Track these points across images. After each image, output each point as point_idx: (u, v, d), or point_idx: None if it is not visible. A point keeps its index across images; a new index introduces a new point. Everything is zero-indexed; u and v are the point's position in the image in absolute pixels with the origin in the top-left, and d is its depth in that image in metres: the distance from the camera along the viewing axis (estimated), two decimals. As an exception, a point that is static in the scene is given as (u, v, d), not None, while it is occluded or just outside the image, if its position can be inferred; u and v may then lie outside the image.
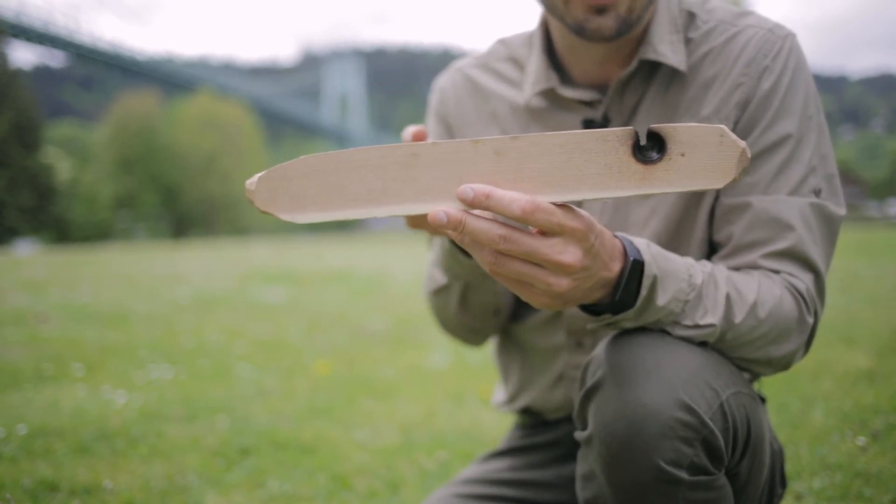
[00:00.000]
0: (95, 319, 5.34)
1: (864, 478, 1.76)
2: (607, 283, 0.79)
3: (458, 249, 1.06)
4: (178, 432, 2.41)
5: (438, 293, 1.19)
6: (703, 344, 0.88)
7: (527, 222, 0.70)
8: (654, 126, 0.71)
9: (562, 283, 0.73)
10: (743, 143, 0.70)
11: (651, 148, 0.71)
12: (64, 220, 37.74)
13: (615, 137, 0.71)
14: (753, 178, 0.98)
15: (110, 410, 2.68)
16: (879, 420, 2.27)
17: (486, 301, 1.16)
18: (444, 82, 1.24)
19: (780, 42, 1.01)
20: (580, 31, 0.99)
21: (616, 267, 0.79)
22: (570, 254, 0.72)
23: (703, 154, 0.70)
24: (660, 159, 0.71)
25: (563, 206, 0.72)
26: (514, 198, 0.70)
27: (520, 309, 1.21)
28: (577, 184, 0.72)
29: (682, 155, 0.70)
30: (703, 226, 1.03)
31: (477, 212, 0.71)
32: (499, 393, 1.33)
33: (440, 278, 1.17)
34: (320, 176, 0.73)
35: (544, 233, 0.72)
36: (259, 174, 0.74)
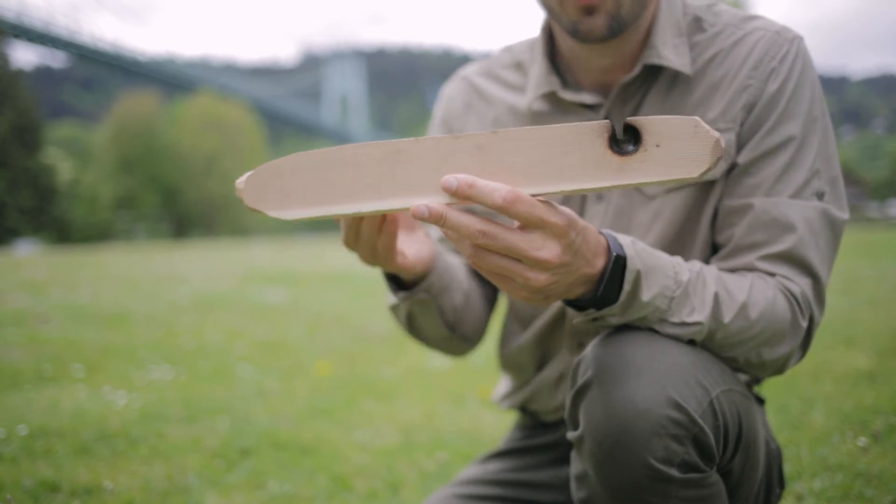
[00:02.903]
0: (95, 320, 5.34)
1: (865, 479, 1.76)
2: (589, 279, 0.80)
3: (391, 282, 1.07)
4: (179, 433, 2.41)
5: (391, 309, 1.16)
6: (692, 343, 0.88)
7: (507, 212, 0.71)
8: (630, 119, 0.73)
9: (539, 278, 0.74)
10: (717, 134, 0.71)
11: (627, 140, 0.73)
12: (64, 221, 37.73)
13: (591, 130, 0.73)
14: (757, 180, 0.98)
15: (111, 411, 2.68)
16: (880, 421, 2.27)
17: (432, 332, 1.14)
18: (449, 90, 1.25)
19: (787, 45, 1.01)
20: (574, 33, 1.01)
21: (599, 263, 0.80)
22: (548, 250, 0.73)
23: (677, 145, 0.71)
24: (636, 151, 0.72)
25: (544, 201, 0.73)
26: (495, 188, 0.71)
27: (511, 330, 1.22)
28: (557, 176, 0.73)
29: (658, 146, 0.72)
30: (707, 228, 1.03)
31: (459, 206, 0.72)
32: (500, 387, 1.33)
33: (390, 297, 1.15)
34: (307, 173, 0.75)
35: (525, 228, 0.73)
36: (249, 172, 0.75)
